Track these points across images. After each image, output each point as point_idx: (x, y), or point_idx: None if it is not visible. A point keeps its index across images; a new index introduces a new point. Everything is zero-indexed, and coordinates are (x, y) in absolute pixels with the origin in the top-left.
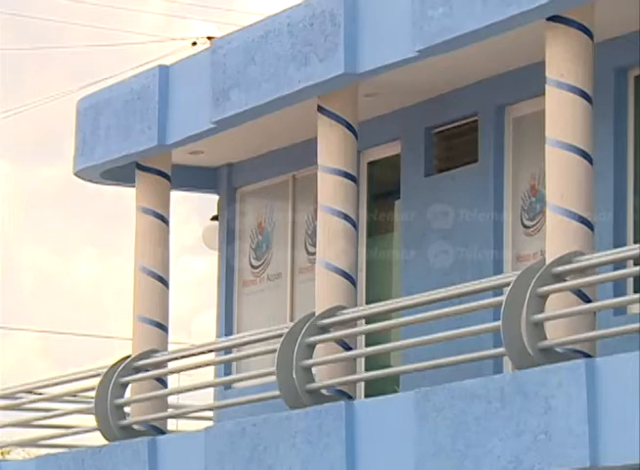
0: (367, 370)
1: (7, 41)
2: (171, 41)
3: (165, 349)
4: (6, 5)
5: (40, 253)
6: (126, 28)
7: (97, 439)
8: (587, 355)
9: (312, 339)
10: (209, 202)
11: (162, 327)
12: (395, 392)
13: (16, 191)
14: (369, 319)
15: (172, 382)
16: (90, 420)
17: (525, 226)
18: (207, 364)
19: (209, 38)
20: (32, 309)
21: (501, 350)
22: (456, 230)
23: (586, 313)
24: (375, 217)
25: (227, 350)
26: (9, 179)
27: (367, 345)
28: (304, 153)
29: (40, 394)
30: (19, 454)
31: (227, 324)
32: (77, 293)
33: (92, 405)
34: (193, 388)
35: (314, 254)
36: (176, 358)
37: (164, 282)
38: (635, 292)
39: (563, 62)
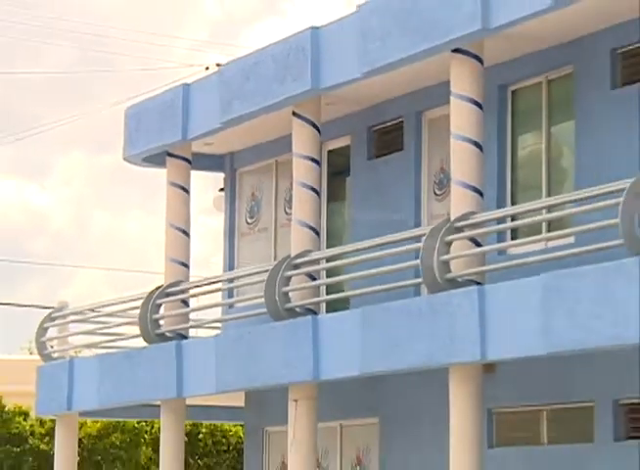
0: (327, 294)
1: (81, 66)
2: (190, 67)
3: (187, 280)
4: (79, 41)
5: (103, 214)
6: (162, 58)
7: (140, 342)
8: (479, 284)
9: (289, 273)
10: (218, 178)
11: (185, 265)
12: (347, 309)
13: (87, 171)
14: (328, 259)
15: (192, 303)
16: (135, 329)
17: (436, 194)
18: (217, 290)
19: (218, 65)
20: (98, 254)
21: (419, 280)
22: (388, 197)
23: (478, 255)
24: (332, 189)
25: (230, 280)
26: (82, 163)
27: (327, 276)
28: (284, 144)
29: (100, 311)
30: (86, 354)
31: (230, 263)
32: (130, 242)
33: (137, 319)
34: (207, 307)
35: (290, 214)
36: (195, 287)
37: (187, 234)
38: (512, 239)
39: (462, 80)
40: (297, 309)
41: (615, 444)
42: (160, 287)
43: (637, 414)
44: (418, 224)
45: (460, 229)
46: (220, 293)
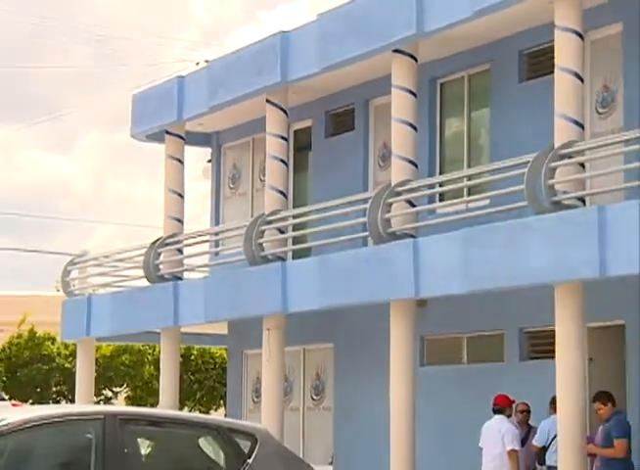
0: (293, 245)
1: (97, 61)
2: (184, 62)
3: (182, 233)
4: (95, 41)
5: (116, 181)
6: (162, 55)
7: (144, 283)
8: (413, 237)
9: (263, 227)
10: (207, 152)
11: (180, 221)
12: (309, 257)
13: (104, 146)
14: (294, 217)
15: (186, 251)
16: (140, 272)
17: (380, 165)
18: (206, 241)
19: (207, 61)
20: (113, 212)
21: (366, 233)
22: (342, 168)
23: (413, 213)
24: (297, 161)
25: (216, 233)
26: (100, 140)
27: (293, 230)
28: (258, 125)
29: (113, 258)
30: (101, 291)
31: (216, 219)
32: (137, 203)
33: (142, 264)
34: (197, 254)
35: (264, 181)
36: (188, 238)
37: (182, 196)
38: (440, 201)
39: (401, 74)
40: (270, 257)
41: (520, 363)
42: (160, 238)
43: (537, 340)
44: (365, 189)
45: (399, 193)
46: (208, 243)
